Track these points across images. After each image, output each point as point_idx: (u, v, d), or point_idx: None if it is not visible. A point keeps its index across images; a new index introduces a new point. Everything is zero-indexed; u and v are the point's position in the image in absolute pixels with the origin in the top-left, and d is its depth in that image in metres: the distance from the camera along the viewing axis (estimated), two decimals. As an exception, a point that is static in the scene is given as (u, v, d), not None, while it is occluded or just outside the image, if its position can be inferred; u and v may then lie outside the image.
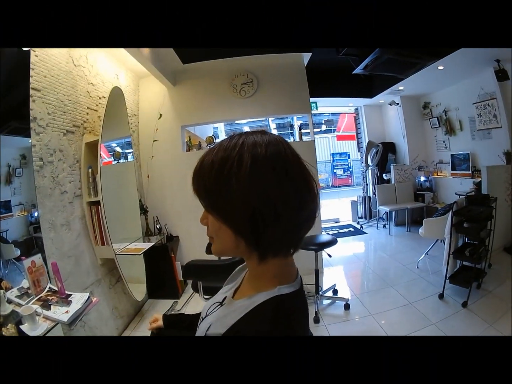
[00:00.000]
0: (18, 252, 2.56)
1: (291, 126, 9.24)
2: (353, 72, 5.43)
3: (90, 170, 3.43)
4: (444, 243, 4.37)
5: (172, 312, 4.26)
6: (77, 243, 3.25)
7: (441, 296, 3.97)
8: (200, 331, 0.92)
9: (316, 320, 3.80)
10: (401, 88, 6.84)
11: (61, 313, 2.15)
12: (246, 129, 8.76)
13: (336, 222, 8.83)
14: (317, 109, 7.92)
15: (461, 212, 4.02)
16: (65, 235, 3.07)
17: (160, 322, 1.48)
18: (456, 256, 4.05)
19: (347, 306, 4.06)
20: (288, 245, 0.84)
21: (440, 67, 5.31)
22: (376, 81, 7.10)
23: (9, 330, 1.91)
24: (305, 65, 5.17)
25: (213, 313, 0.98)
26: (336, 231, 7.94)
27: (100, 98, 3.78)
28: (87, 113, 3.53)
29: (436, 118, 7.23)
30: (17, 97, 2.50)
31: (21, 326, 1.97)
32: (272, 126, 11.00)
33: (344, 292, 4.57)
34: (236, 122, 8.77)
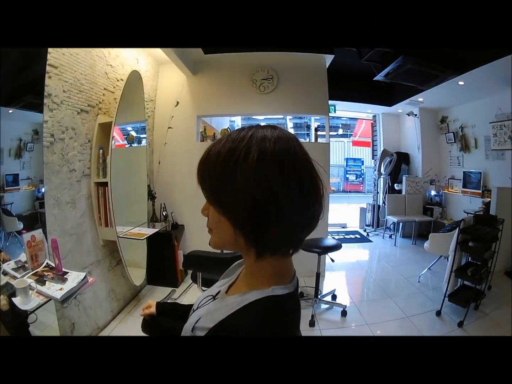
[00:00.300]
0: (21, 226, 2.59)
1: (308, 127, 9.20)
2: (374, 79, 5.39)
3: (101, 151, 3.44)
4: (447, 259, 4.33)
5: (168, 301, 4.28)
6: (80, 222, 3.27)
7: (438, 313, 3.93)
8: (189, 323, 0.91)
9: (312, 324, 3.77)
10: (420, 99, 6.76)
11: (55, 289, 2.15)
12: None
13: (343, 227, 8.80)
14: (335, 112, 7.88)
15: (468, 231, 3.97)
16: (69, 213, 3.09)
17: (153, 309, 1.46)
18: (458, 274, 4.00)
19: (344, 313, 4.03)
20: (288, 245, 0.81)
21: (461, 83, 5.25)
22: (396, 90, 7.01)
23: (1, 301, 1.93)
24: (327, 67, 5.13)
25: (205, 306, 0.97)
26: (342, 236, 7.92)
27: (118, 80, 3.79)
28: (103, 94, 3.55)
29: (452, 133, 7.15)
30: (34, 72, 2.51)
31: (13, 299, 1.98)
32: (290, 125, 10.94)
33: (343, 298, 4.54)
34: (254, 117, 8.71)
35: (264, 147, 0.72)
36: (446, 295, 3.96)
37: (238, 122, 9.26)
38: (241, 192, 0.72)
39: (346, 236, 7.98)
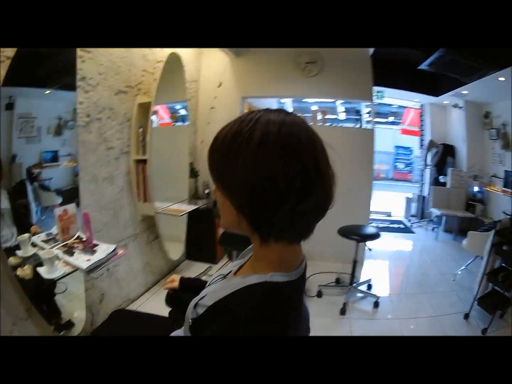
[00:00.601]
0: (60, 200, 2.72)
1: (357, 112, 8.97)
2: (418, 68, 5.21)
3: (141, 129, 3.53)
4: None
5: (203, 277, 4.40)
6: (118, 197, 3.42)
7: (466, 316, 3.74)
8: (195, 299, 0.93)
9: (343, 312, 3.75)
10: (465, 92, 6.41)
11: (82, 260, 2.24)
12: (314, 108, 8.53)
13: (388, 216, 8.59)
14: (382, 98, 7.68)
15: (503, 233, 3.74)
16: (107, 188, 3.24)
17: (176, 284, 1.51)
18: (490, 278, 3.78)
19: (376, 304, 3.96)
20: (291, 232, 0.80)
21: (501, 78, 4.94)
22: (443, 80, 6.61)
23: (25, 271, 2.07)
24: (372, 52, 4.97)
25: (213, 284, 1.01)
26: (386, 225, 7.75)
27: (157, 62, 3.80)
28: (143, 75, 3.60)
29: (495, 130, 6.71)
30: (70, 54, 2.58)
31: (38, 268, 2.11)
32: (340, 109, 10.63)
33: (379, 288, 4.46)
34: (304, 100, 8.54)
35: (267, 131, 0.72)
36: (476, 298, 3.78)
37: (289, 104, 9.09)
38: (241, 176, 0.73)
39: (390, 225, 7.80)
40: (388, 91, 7.43)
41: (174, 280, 1.54)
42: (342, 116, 10.53)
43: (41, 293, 2.32)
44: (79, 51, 2.67)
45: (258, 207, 0.74)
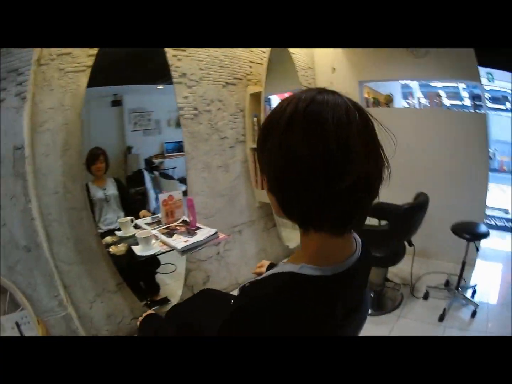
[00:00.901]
0: (183, 188, 2.94)
1: (475, 97, 8.02)
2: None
3: (255, 118, 3.58)
4: None
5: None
6: (234, 184, 3.52)
7: None
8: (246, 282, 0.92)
9: (441, 318, 3.31)
10: None
11: (180, 241, 2.32)
12: (440, 93, 7.81)
13: (506, 213, 7.47)
14: (493, 81, 6.81)
15: None
16: (221, 175, 3.36)
17: (263, 269, 1.52)
18: None
19: (473, 314, 3.39)
20: (326, 221, 0.70)
21: None
22: None
23: (119, 248, 2.26)
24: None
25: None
26: (503, 224, 6.58)
27: (264, 52, 3.73)
28: (250, 66, 3.60)
29: None
30: (162, 53, 2.67)
31: (132, 247, 2.26)
32: (464, 94, 9.49)
33: (481, 295, 3.78)
34: (431, 84, 7.89)
35: (296, 109, 0.67)
36: None
37: (416, 88, 8.46)
38: (270, 158, 0.70)
39: (507, 224, 6.61)
40: (496, 73, 6.50)
41: (263, 266, 1.55)
42: (467, 101, 9.54)
43: (136, 270, 2.51)
44: (172, 51, 2.76)
45: (284, 192, 0.70)
